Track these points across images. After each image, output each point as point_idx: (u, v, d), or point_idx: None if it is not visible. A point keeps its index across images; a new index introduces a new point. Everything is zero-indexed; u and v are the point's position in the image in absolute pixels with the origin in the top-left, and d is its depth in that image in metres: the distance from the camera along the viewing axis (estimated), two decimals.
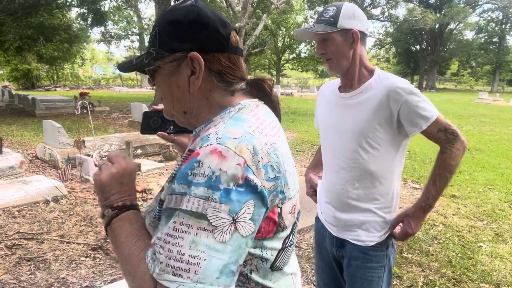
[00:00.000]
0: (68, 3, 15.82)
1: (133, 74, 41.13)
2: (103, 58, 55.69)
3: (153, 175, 6.10)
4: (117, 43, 33.03)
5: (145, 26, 33.13)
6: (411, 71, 48.61)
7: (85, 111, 14.02)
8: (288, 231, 0.80)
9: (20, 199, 4.48)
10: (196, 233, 0.63)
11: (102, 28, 26.34)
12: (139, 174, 5.89)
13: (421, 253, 3.53)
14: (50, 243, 3.62)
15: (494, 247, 3.68)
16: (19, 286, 2.92)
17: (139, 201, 4.75)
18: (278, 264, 0.80)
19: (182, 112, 0.83)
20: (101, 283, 2.97)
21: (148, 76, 0.86)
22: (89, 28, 21.88)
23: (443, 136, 1.48)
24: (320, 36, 1.52)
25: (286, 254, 0.82)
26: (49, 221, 4.10)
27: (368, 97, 1.50)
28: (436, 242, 3.80)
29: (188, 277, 0.62)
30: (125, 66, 0.87)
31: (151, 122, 1.10)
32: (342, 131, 1.56)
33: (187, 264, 0.63)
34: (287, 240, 0.80)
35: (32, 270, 3.14)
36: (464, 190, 5.47)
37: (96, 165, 5.80)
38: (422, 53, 44.02)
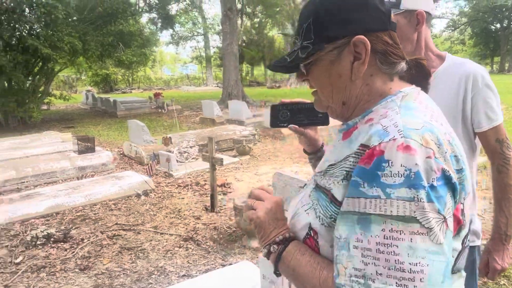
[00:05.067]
0: (140, 10, 16.84)
1: (198, 73, 42.70)
2: (171, 60, 58.70)
3: (229, 170, 6.26)
4: (184, 44, 34.42)
5: (209, 26, 34.22)
6: (490, 52, 44.14)
7: (159, 110, 14.87)
8: (466, 230, 0.74)
9: (115, 193, 4.86)
10: (411, 239, 0.60)
11: (170, 31, 27.72)
12: (216, 168, 6.07)
13: None
14: (146, 234, 3.87)
15: None
16: (123, 274, 3.16)
17: (220, 194, 4.89)
18: (458, 266, 0.74)
19: (340, 103, 0.79)
20: (196, 273, 3.10)
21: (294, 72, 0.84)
22: (159, 32, 23.12)
23: (498, 148, 1.36)
24: None
25: (463, 255, 0.76)
26: (142, 213, 4.39)
27: (443, 85, 1.37)
28: None
29: (414, 286, 0.59)
30: (279, 66, 0.83)
31: (280, 116, 1.09)
32: None
33: (410, 272, 0.59)
34: (465, 240, 0.74)
35: (133, 259, 3.38)
36: None
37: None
38: (504, 32, 39.77)
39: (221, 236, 3.78)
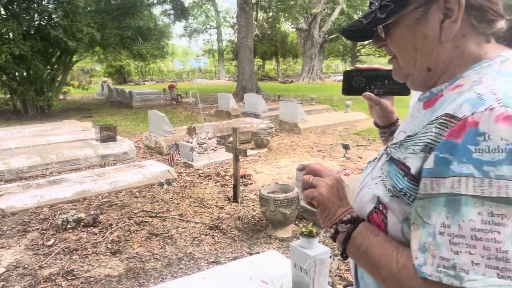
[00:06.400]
0: (155, 1, 16.91)
1: (210, 66, 42.73)
2: (182, 53, 58.88)
3: (248, 162, 6.31)
4: (196, 37, 34.50)
5: (222, 19, 34.25)
6: None
7: (174, 102, 14.98)
8: None
9: (138, 181, 4.95)
10: None
11: (183, 24, 27.81)
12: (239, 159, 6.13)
13: None
14: (172, 221, 3.95)
15: None
16: (154, 258, 3.24)
17: (241, 186, 4.94)
18: None
19: (425, 70, 0.70)
20: (225, 260, 3.16)
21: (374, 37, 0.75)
22: (172, 24, 23.20)
23: None
24: None
25: None
26: (166, 202, 4.48)
27: None
28: None
29: None
30: (353, 30, 0.75)
31: (354, 82, 1.02)
32: None
33: None
34: None
35: (162, 245, 3.45)
36: None
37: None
38: None
39: (246, 225, 3.84)
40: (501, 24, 0.67)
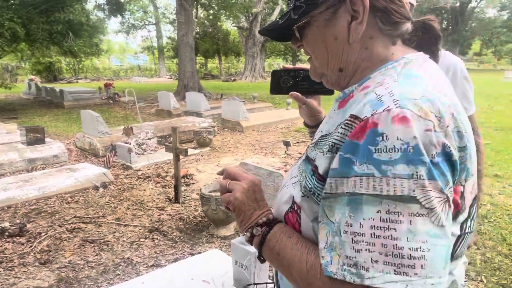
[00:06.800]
0: None
1: (150, 64, 41.36)
2: (119, 50, 56.31)
3: (190, 161, 6.21)
4: (134, 33, 33.16)
5: (161, 15, 33.29)
6: None
7: (111, 101, 14.28)
8: (465, 215, 0.66)
9: (71, 185, 4.65)
10: (410, 221, 0.53)
11: (120, 19, 26.58)
12: (180, 159, 6.00)
13: None
14: (108, 226, 3.76)
15: None
16: (88, 266, 3.06)
17: (182, 185, 4.86)
18: (458, 253, 0.67)
19: (336, 70, 0.72)
20: (165, 262, 3.08)
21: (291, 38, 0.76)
22: (106, 19, 22.05)
23: None
24: None
25: (465, 242, 0.68)
26: (102, 206, 4.25)
27: None
28: (486, 221, 3.78)
29: (415, 274, 0.52)
30: (270, 29, 0.76)
31: (282, 82, 1.02)
32: None
33: (410, 259, 0.52)
34: (465, 225, 0.66)
35: (97, 251, 3.28)
36: (507, 169, 5.39)
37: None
38: (443, 33, 42.69)
39: (188, 226, 3.77)
40: (407, 26, 0.69)
